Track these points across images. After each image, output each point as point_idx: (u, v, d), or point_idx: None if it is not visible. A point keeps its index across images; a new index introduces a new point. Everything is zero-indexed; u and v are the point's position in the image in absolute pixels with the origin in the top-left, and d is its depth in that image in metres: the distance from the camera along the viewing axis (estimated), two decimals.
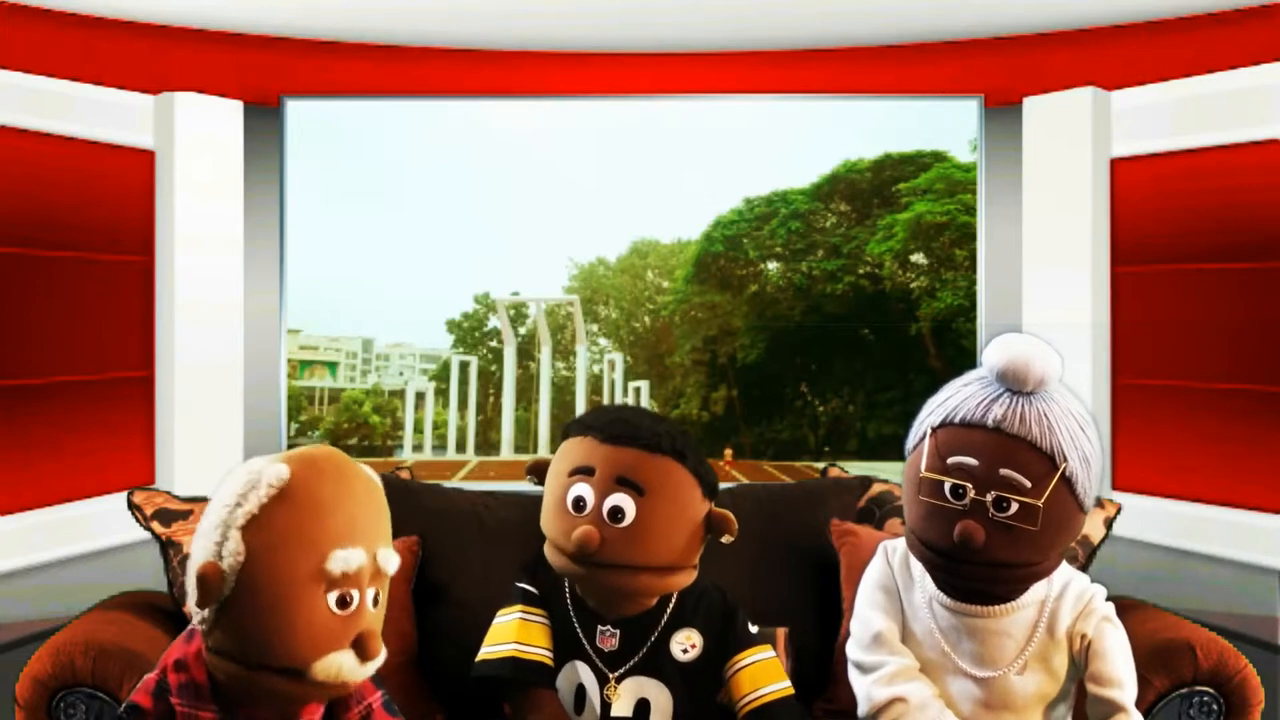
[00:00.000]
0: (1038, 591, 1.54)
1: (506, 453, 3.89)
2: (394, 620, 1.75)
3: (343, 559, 1.28)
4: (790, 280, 3.87)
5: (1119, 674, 1.50)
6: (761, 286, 3.88)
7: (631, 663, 1.65)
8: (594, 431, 1.64)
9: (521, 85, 3.84)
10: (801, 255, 3.85)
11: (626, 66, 3.83)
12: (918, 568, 1.60)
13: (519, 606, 1.71)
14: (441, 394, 3.90)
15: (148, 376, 3.56)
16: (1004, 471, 1.43)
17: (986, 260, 3.72)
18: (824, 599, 2.08)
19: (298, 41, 3.74)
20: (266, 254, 3.70)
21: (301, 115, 3.72)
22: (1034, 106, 3.63)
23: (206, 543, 1.30)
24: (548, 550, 1.67)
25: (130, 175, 3.51)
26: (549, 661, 1.68)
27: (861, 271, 3.84)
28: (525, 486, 1.73)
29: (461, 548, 2.11)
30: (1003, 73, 3.70)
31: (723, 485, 2.33)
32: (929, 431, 1.51)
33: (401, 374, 3.90)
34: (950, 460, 1.46)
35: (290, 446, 2.17)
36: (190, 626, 1.39)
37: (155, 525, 2.02)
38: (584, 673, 1.67)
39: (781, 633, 1.99)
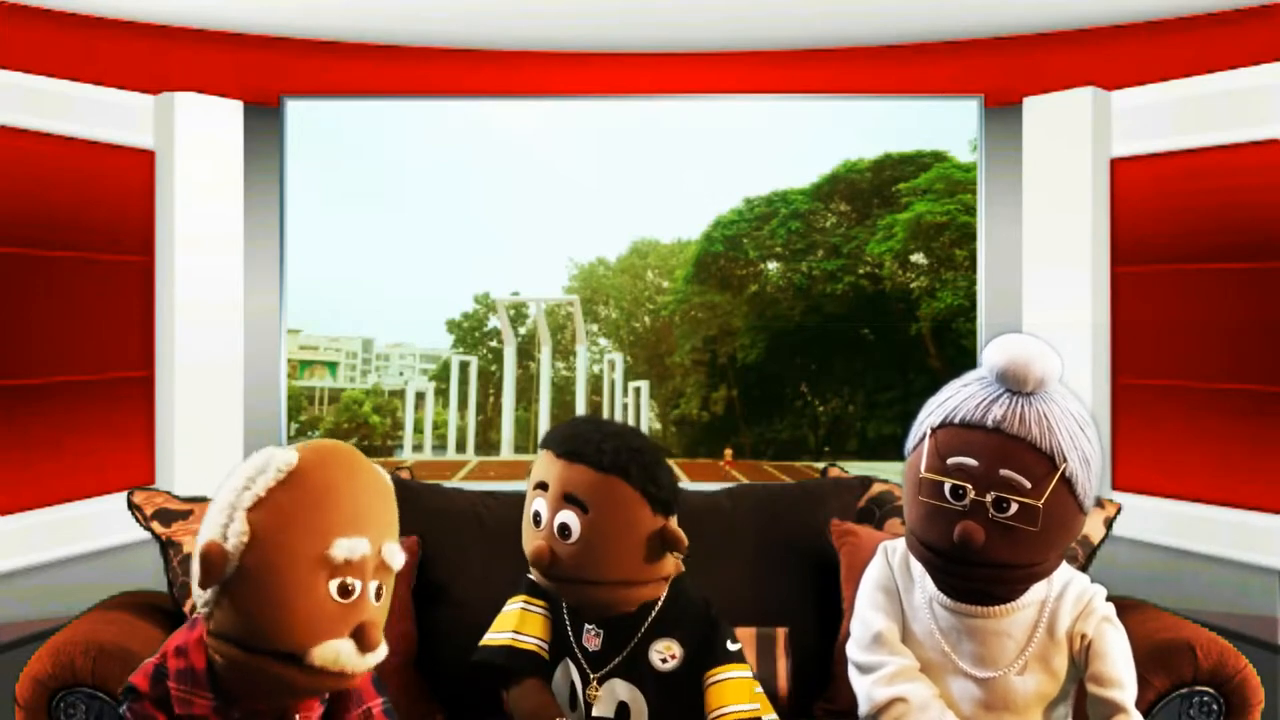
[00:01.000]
0: (1038, 592, 1.54)
1: (506, 453, 3.89)
2: (394, 620, 1.74)
3: (346, 547, 1.28)
4: (790, 280, 3.87)
5: (1119, 674, 1.50)
6: (761, 286, 3.88)
7: (612, 665, 1.66)
8: (552, 446, 1.65)
9: (521, 85, 3.84)
10: (801, 255, 3.85)
11: (626, 66, 3.82)
12: (918, 568, 1.60)
13: (523, 596, 1.74)
14: (441, 394, 3.90)
15: (148, 376, 3.56)
16: (1004, 472, 1.42)
17: (986, 260, 3.72)
18: (824, 599, 2.08)
19: (298, 41, 3.74)
20: (266, 254, 3.70)
21: (301, 115, 3.72)
22: (1034, 106, 3.63)
23: (213, 524, 1.31)
24: None
25: (130, 175, 3.51)
26: (543, 652, 1.69)
27: (861, 271, 3.84)
28: (525, 486, 1.73)
29: (461, 548, 2.11)
30: (1003, 73, 3.70)
31: (723, 485, 2.35)
32: (929, 432, 1.51)
33: (401, 374, 3.90)
34: (950, 461, 1.46)
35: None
36: (194, 615, 1.39)
37: (155, 525, 2.02)
38: (573, 671, 1.69)
39: (781, 633, 1.99)
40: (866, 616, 1.63)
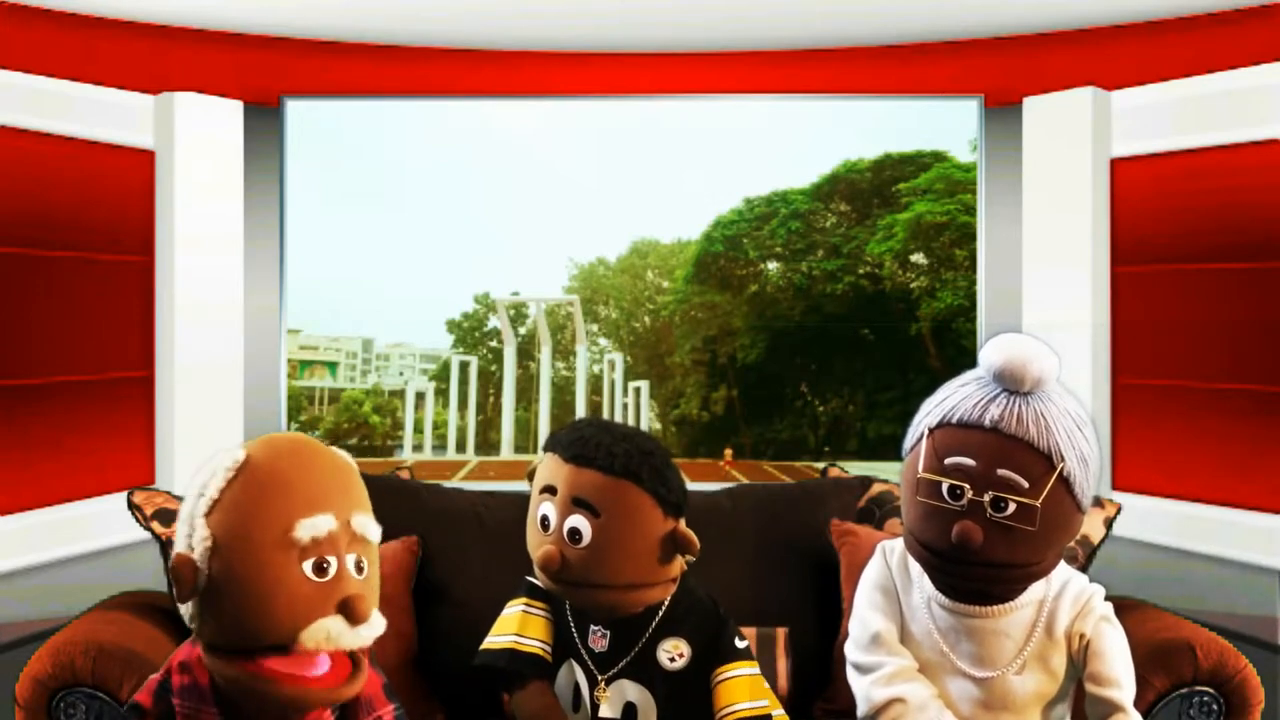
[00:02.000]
0: (1036, 591, 1.54)
1: (506, 453, 3.89)
2: (394, 620, 1.74)
3: (309, 525, 1.28)
4: (790, 280, 3.87)
5: (1117, 674, 1.50)
6: (761, 286, 3.88)
7: (620, 665, 1.66)
8: (559, 449, 1.64)
9: (521, 85, 3.84)
10: (801, 255, 3.85)
11: (626, 66, 3.83)
12: (916, 568, 1.60)
13: (523, 599, 1.73)
14: (441, 394, 3.91)
15: (148, 376, 3.56)
16: (1001, 472, 1.42)
17: (986, 260, 3.72)
18: (824, 599, 2.08)
19: (298, 41, 3.74)
20: (266, 254, 3.70)
21: (301, 115, 3.72)
22: (1034, 106, 3.63)
23: (180, 538, 1.32)
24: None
25: (130, 175, 3.52)
26: (546, 655, 1.69)
27: (861, 271, 3.84)
28: (525, 486, 1.73)
29: (461, 548, 2.11)
30: (1003, 73, 3.70)
31: (723, 485, 2.35)
32: (926, 432, 1.51)
33: (401, 374, 3.91)
34: (948, 461, 1.46)
35: None
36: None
37: (155, 525, 2.02)
38: (578, 672, 1.68)
39: (781, 633, 1.99)
40: (865, 617, 1.63)
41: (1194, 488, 3.33)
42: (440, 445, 3.89)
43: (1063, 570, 1.57)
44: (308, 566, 1.28)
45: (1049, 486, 1.42)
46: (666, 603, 1.67)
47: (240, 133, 3.66)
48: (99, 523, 3.31)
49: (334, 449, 1.41)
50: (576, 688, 1.68)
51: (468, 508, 2.19)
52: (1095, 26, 3.56)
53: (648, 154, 3.80)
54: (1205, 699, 1.75)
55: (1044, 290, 3.60)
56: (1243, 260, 3.24)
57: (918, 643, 1.59)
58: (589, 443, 1.61)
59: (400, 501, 2.14)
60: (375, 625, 1.32)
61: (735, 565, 2.10)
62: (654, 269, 3.93)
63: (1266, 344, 3.18)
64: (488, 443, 3.90)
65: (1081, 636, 1.52)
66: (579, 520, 1.58)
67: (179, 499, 2.08)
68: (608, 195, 3.81)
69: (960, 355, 3.71)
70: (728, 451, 3.88)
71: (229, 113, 3.65)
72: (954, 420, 1.48)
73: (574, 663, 1.69)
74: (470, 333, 3.92)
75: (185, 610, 1.31)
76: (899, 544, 1.65)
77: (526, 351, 3.93)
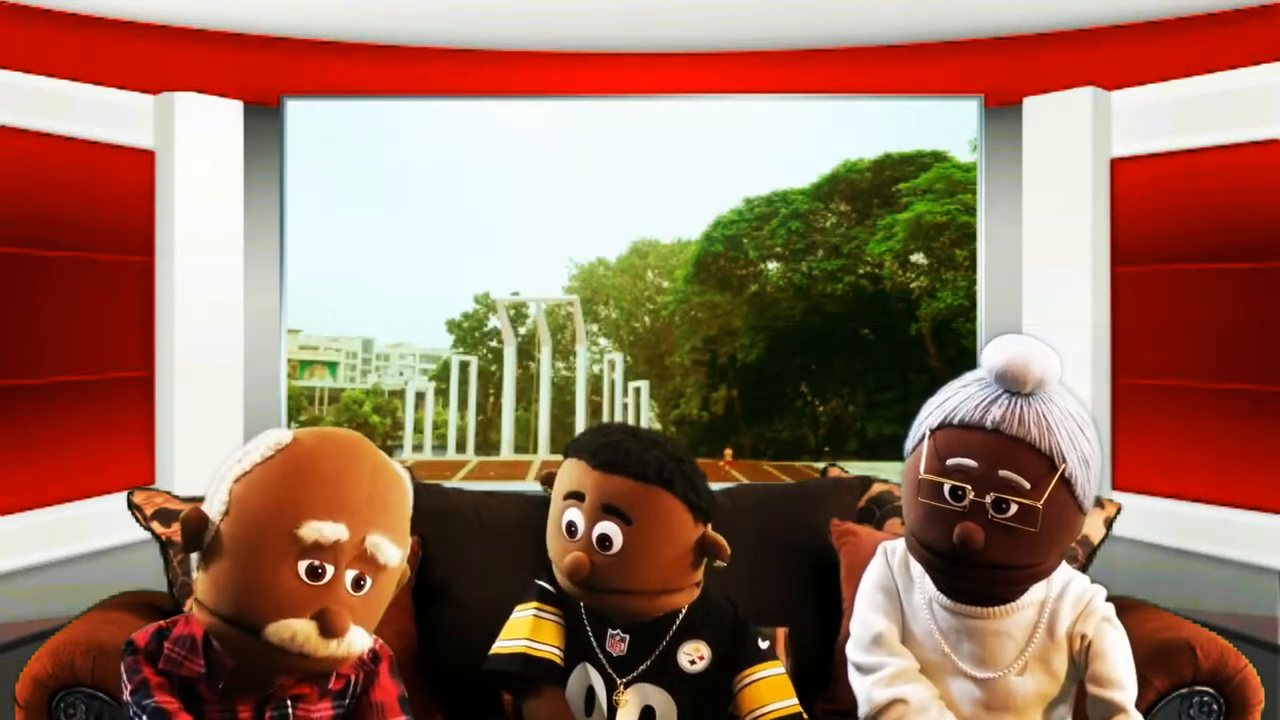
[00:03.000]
0: (1037, 592, 1.54)
1: (506, 453, 3.89)
2: (394, 620, 1.75)
3: (315, 529, 1.28)
4: (790, 280, 3.87)
5: (1119, 675, 1.50)
6: (761, 286, 3.88)
7: (639, 670, 1.65)
8: (586, 456, 1.63)
9: (521, 85, 3.84)
10: (801, 255, 3.85)
11: (626, 66, 3.82)
12: (917, 569, 1.60)
13: (534, 603, 1.71)
14: (441, 394, 3.90)
15: (148, 376, 3.56)
16: (1003, 473, 1.42)
17: (986, 260, 3.72)
18: (824, 599, 2.08)
19: (298, 41, 3.74)
20: (266, 254, 3.70)
21: (301, 115, 3.72)
22: (1034, 106, 3.63)
23: (209, 493, 1.35)
24: (553, 567, 1.68)
25: (130, 175, 3.51)
26: (559, 660, 1.68)
27: (861, 271, 3.84)
28: (525, 486, 1.73)
29: (461, 548, 2.11)
30: (1003, 73, 3.70)
31: (723, 485, 2.34)
32: (928, 433, 1.51)
33: (401, 374, 3.91)
34: (949, 462, 1.46)
35: None
36: None
37: (155, 525, 2.02)
38: (594, 676, 1.67)
39: (781, 633, 1.99)
40: (866, 617, 1.63)
41: (1194, 488, 3.33)
42: (440, 445, 3.89)
43: (1064, 571, 1.57)
44: (302, 566, 1.28)
45: (1051, 488, 1.42)
46: (686, 607, 1.67)
47: (240, 133, 3.66)
48: (99, 523, 3.31)
49: (392, 462, 1.41)
50: (590, 692, 1.68)
51: (468, 508, 2.18)
52: (1095, 26, 3.56)
53: (648, 154, 3.80)
54: (1205, 699, 1.75)
55: (1044, 290, 3.60)
56: (1243, 260, 3.24)
57: (919, 643, 1.59)
58: (618, 449, 1.61)
59: None
60: (353, 644, 1.30)
61: (735, 565, 2.08)
62: (654, 269, 3.93)
63: (1266, 344, 3.18)
64: (488, 443, 3.90)
65: (1083, 637, 1.52)
66: (609, 527, 1.58)
67: (179, 499, 2.09)
68: (608, 195, 3.81)
69: (960, 355, 3.71)
70: (728, 451, 3.88)
71: (229, 113, 3.64)
72: (955, 421, 1.48)
73: (589, 666, 1.68)
74: (470, 333, 3.92)
75: (191, 565, 1.35)
76: (900, 544, 1.65)
77: (526, 351, 3.93)
